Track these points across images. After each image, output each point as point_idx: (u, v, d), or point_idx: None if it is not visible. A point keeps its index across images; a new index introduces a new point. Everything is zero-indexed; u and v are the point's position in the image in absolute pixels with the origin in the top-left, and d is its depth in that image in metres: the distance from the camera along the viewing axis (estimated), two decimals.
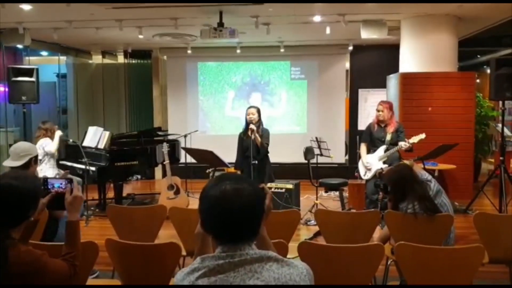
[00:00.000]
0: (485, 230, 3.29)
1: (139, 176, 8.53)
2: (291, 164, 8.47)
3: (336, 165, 8.66)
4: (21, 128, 7.76)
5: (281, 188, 6.05)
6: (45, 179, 2.17)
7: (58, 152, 6.12)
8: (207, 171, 6.62)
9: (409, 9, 6.54)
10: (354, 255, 2.57)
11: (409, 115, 6.92)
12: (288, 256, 2.45)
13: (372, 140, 5.60)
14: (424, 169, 4.51)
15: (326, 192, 7.67)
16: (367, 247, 2.63)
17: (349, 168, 8.69)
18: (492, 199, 6.42)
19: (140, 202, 7.20)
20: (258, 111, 5.52)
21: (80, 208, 2.17)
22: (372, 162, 5.49)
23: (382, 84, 8.01)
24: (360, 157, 5.72)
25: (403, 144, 5.18)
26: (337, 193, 6.83)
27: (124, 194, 7.07)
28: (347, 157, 9.62)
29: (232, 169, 5.82)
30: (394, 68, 7.55)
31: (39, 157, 5.22)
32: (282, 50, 8.97)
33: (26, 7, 5.95)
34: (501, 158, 6.16)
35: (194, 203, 6.27)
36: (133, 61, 10.15)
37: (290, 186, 6.09)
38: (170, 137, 7.71)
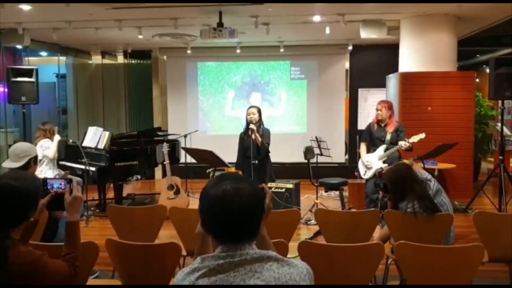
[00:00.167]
0: (484, 229, 3.29)
1: (139, 176, 8.53)
2: (291, 163, 8.49)
3: (336, 165, 8.65)
4: (20, 129, 7.74)
5: (281, 188, 6.07)
6: (45, 180, 2.17)
7: (58, 153, 6.11)
8: (207, 171, 6.62)
9: (409, 9, 6.54)
10: (354, 255, 2.58)
11: (408, 114, 6.92)
12: (288, 255, 2.44)
13: (372, 139, 5.60)
14: (424, 168, 4.50)
15: (326, 191, 7.68)
16: (367, 246, 2.63)
17: (349, 168, 8.70)
18: (492, 198, 6.42)
19: (140, 202, 7.19)
20: (259, 111, 5.52)
21: (80, 208, 2.17)
22: (372, 162, 5.49)
23: (382, 84, 8.01)
24: (360, 157, 5.72)
25: (403, 144, 5.18)
26: (337, 192, 6.83)
27: (124, 194, 7.07)
28: (347, 156, 9.62)
29: (232, 169, 5.81)
30: (394, 67, 7.55)
31: (39, 158, 5.22)
32: (282, 50, 8.97)
33: (25, 7, 5.95)
34: (500, 157, 6.16)
35: (194, 203, 6.27)
36: (133, 61, 10.15)
37: (290, 185, 6.10)
38: (170, 137, 7.71)
